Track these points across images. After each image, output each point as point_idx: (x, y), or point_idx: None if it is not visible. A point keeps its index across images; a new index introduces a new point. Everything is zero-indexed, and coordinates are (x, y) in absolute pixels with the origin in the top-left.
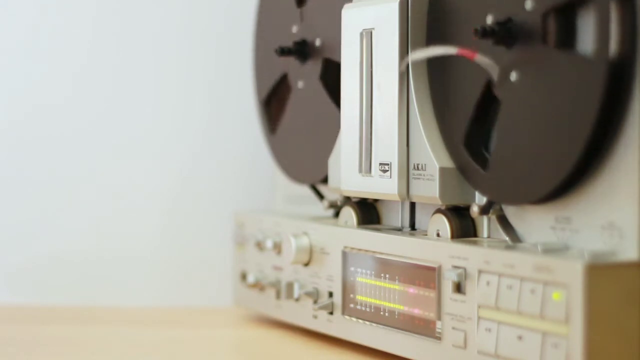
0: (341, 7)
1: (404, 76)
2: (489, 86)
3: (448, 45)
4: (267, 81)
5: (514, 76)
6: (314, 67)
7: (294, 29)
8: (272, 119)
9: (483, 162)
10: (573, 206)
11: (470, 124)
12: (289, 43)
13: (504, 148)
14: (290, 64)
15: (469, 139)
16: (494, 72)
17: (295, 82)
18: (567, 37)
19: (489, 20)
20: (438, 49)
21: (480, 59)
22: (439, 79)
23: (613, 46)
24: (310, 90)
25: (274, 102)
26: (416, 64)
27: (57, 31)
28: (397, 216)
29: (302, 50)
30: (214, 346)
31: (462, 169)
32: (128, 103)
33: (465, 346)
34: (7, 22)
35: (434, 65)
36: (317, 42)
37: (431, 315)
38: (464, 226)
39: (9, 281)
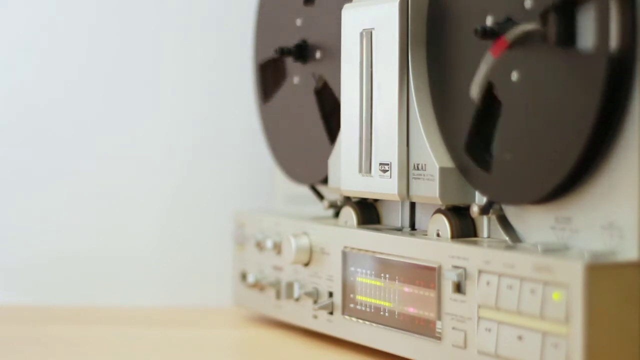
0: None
1: (404, 76)
2: (490, 88)
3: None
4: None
5: (514, 76)
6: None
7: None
8: (267, 87)
9: (483, 163)
10: (573, 206)
11: (472, 126)
12: (290, 38)
13: (504, 148)
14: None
15: (470, 141)
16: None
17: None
18: (567, 35)
19: (489, 20)
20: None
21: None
22: (439, 78)
23: (613, 43)
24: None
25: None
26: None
27: (57, 29)
28: (397, 216)
29: (302, 51)
30: (214, 346)
31: (462, 169)
32: (128, 102)
33: (465, 346)
34: (7, 21)
35: (434, 65)
36: (317, 55)
37: (431, 315)
38: (464, 226)
39: (9, 281)
